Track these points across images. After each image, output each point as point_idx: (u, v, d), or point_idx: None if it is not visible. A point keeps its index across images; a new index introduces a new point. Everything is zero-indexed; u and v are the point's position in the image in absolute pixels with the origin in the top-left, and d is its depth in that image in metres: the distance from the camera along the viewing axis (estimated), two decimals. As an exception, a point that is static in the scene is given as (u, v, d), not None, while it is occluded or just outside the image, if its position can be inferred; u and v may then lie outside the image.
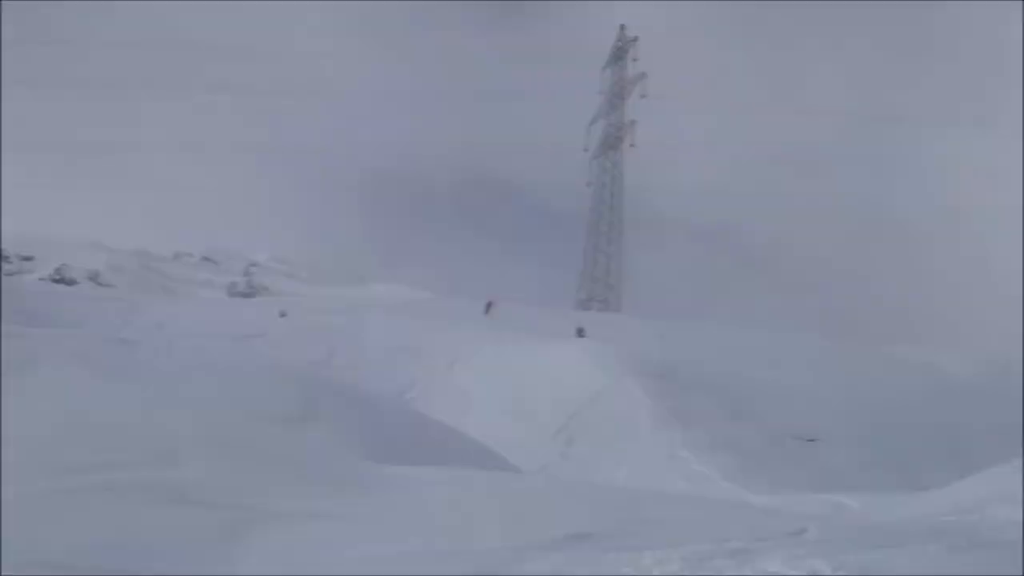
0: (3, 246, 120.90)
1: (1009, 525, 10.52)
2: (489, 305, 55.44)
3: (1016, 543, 8.87)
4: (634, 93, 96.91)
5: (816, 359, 46.11)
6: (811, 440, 36.31)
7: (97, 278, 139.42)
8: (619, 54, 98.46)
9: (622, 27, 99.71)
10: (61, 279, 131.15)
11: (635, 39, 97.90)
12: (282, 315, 52.09)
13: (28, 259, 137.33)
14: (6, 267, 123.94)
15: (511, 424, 36.29)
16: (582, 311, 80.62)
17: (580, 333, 48.96)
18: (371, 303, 65.25)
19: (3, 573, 6.71)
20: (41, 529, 8.45)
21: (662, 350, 44.07)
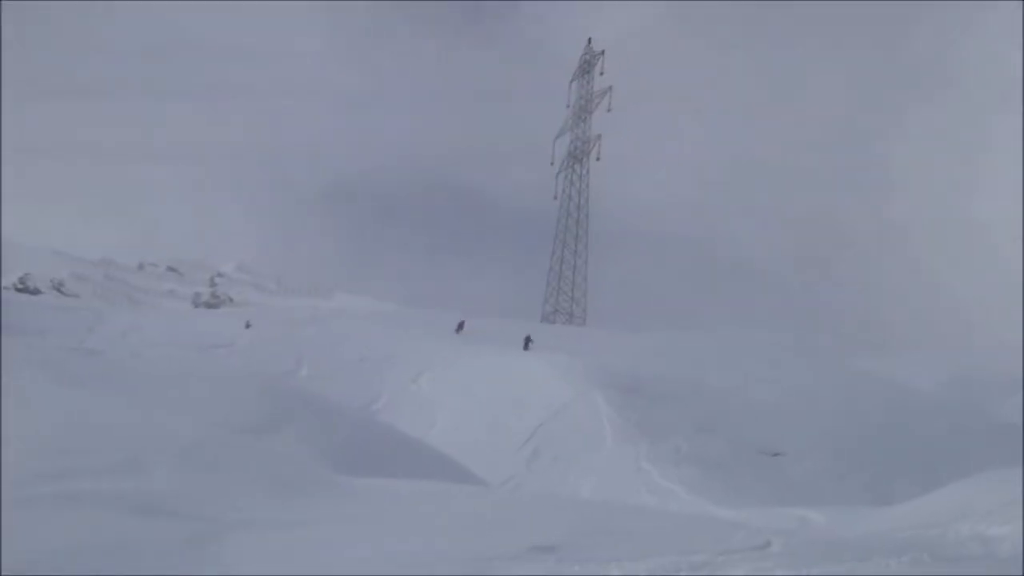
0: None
1: (971, 540, 10.62)
2: (461, 325, 55.51)
3: (978, 557, 9.12)
4: (601, 106, 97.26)
5: (781, 371, 46.04)
6: (776, 454, 36.59)
7: (61, 287, 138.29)
8: (586, 67, 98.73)
9: (589, 41, 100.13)
10: (24, 288, 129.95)
11: (602, 52, 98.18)
12: (248, 326, 51.79)
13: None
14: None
15: (476, 436, 36.26)
16: (548, 324, 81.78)
17: (527, 344, 49.28)
18: (337, 314, 64.85)
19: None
20: (4, 538, 8.20)
21: (627, 362, 44.23)
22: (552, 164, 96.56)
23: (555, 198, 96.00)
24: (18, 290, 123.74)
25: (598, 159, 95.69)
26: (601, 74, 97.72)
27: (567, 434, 36.38)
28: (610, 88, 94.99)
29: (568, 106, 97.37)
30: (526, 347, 49.00)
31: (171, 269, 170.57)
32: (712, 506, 25.26)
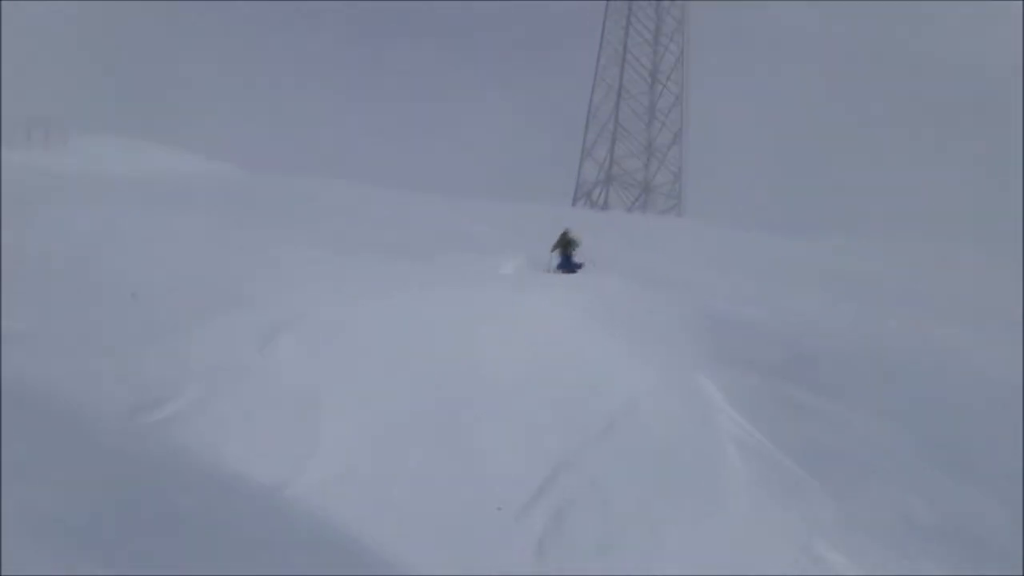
0: None
1: None
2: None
3: None
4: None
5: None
6: None
7: None
8: None
9: None
10: None
11: None
12: None
13: None
14: None
15: (417, 483, 18.07)
16: (594, 209, 56.05)
17: (567, 263, 25.99)
18: (85, 185, 37.16)
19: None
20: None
21: (775, 308, 26.46)
22: None
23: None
24: None
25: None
26: None
27: (633, 476, 18.51)
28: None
29: None
30: (567, 265, 25.98)
31: None
32: None
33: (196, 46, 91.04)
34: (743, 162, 75.75)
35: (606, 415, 19.64)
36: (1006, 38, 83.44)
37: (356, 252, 28.44)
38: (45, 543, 8.12)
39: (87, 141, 47.24)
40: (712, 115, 67.68)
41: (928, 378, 23.85)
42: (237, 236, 28.77)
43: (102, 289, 23.33)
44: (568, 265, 26.17)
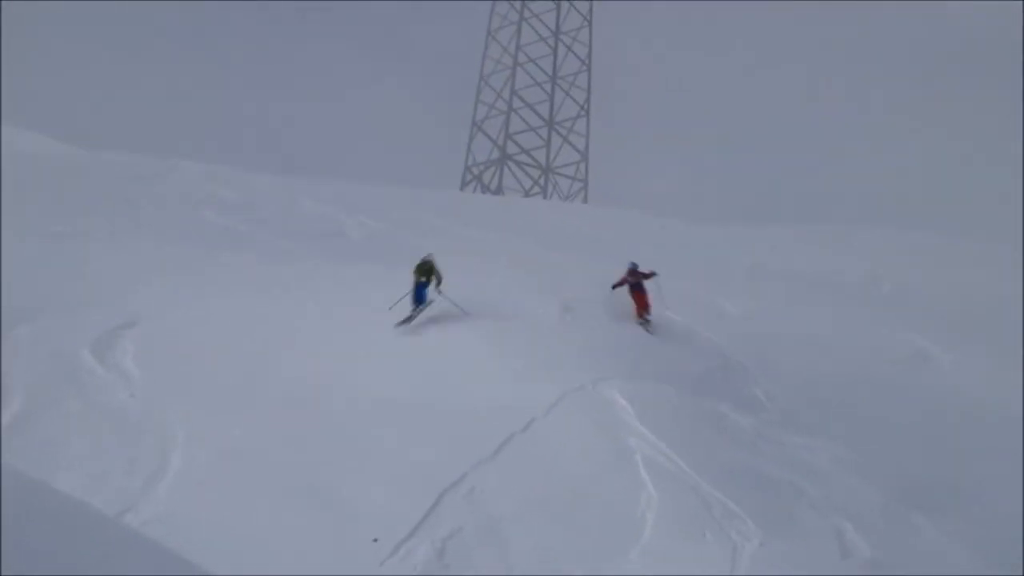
0: None
1: None
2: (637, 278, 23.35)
3: None
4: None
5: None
6: None
7: None
8: None
9: None
10: None
11: None
12: None
13: None
14: None
15: (280, 509, 16.27)
16: (483, 193, 52.87)
17: (418, 293, 22.54)
18: None
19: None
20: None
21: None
22: None
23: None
24: None
25: None
26: None
27: (529, 503, 16.78)
28: None
29: None
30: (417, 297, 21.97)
31: None
32: None
33: (50, 20, 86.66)
34: (655, 140, 74.69)
35: (500, 435, 17.57)
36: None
37: (211, 245, 26.28)
38: None
39: None
40: (621, 91, 66.14)
41: (868, 389, 22.17)
42: (76, 225, 26.63)
43: None
44: (420, 296, 21.68)
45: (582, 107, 52.98)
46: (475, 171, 53.97)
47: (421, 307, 21.47)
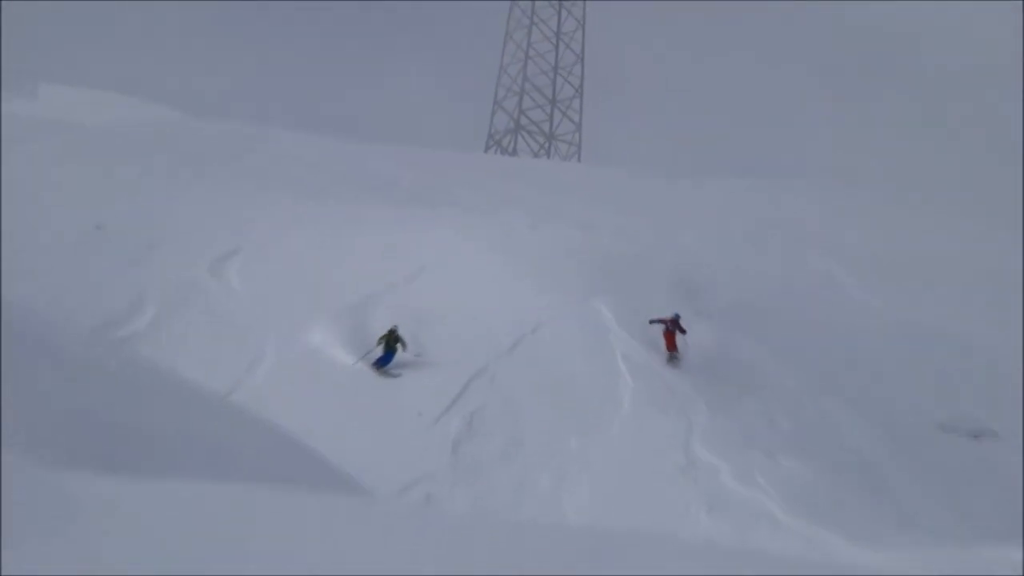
0: None
1: None
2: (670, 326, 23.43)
3: None
4: None
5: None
6: (978, 433, 22.77)
7: None
8: None
9: None
10: None
11: None
12: None
13: None
14: None
15: (350, 390, 20.99)
16: (503, 155, 62.35)
17: (384, 359, 22.40)
18: (51, 130, 37.64)
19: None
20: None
21: (664, 240, 29.10)
22: None
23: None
24: None
25: None
26: None
27: (537, 387, 21.02)
28: None
29: None
30: (382, 361, 22.41)
31: None
32: (841, 541, 16.31)
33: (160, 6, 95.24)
34: (633, 114, 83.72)
35: (514, 336, 21.78)
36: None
37: (296, 193, 29.97)
38: (21, 443, 7.44)
39: (56, 91, 48.89)
40: (611, 72, 75.70)
41: (809, 307, 25.95)
42: (189, 180, 30.41)
43: (70, 223, 25.58)
44: (384, 360, 22.19)
45: (577, 90, 64.87)
46: (495, 138, 64.10)
47: (384, 367, 21.75)
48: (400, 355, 21.99)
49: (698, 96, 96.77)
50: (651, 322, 22.18)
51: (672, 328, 22.09)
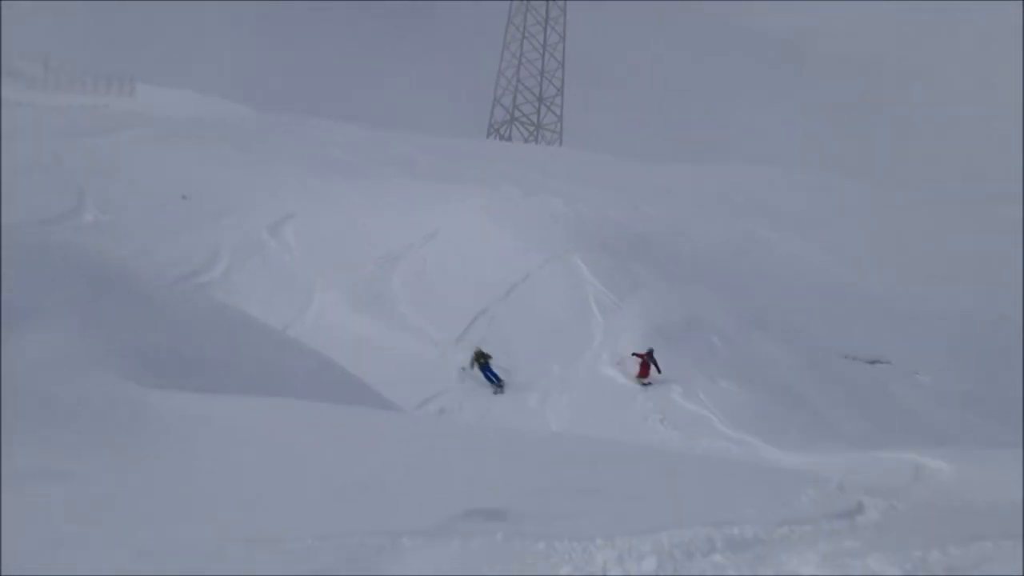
0: None
1: None
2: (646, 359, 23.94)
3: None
4: None
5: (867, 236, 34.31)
6: (875, 361, 25.32)
7: None
8: None
9: None
10: None
11: None
12: None
13: None
14: None
15: (379, 326, 23.94)
16: (500, 140, 71.31)
17: (490, 375, 23.17)
18: (143, 121, 41.75)
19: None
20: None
21: (629, 209, 31.91)
22: None
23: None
24: None
25: None
26: None
27: (526, 325, 23.55)
28: None
29: None
30: (492, 379, 23.14)
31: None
32: (768, 447, 18.14)
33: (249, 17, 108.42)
34: (604, 109, 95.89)
35: (508, 284, 24.58)
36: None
37: (335, 170, 33.35)
38: (121, 368, 9.24)
39: (152, 91, 54.80)
40: (592, 68, 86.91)
41: (743, 261, 28.54)
42: (252, 160, 34.07)
43: (155, 190, 29.46)
44: (493, 378, 22.62)
45: (559, 89, 75.98)
46: (495, 127, 75.66)
47: (498, 385, 22.16)
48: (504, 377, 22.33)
49: (672, 90, 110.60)
50: (633, 355, 22.51)
51: (648, 361, 22.35)
